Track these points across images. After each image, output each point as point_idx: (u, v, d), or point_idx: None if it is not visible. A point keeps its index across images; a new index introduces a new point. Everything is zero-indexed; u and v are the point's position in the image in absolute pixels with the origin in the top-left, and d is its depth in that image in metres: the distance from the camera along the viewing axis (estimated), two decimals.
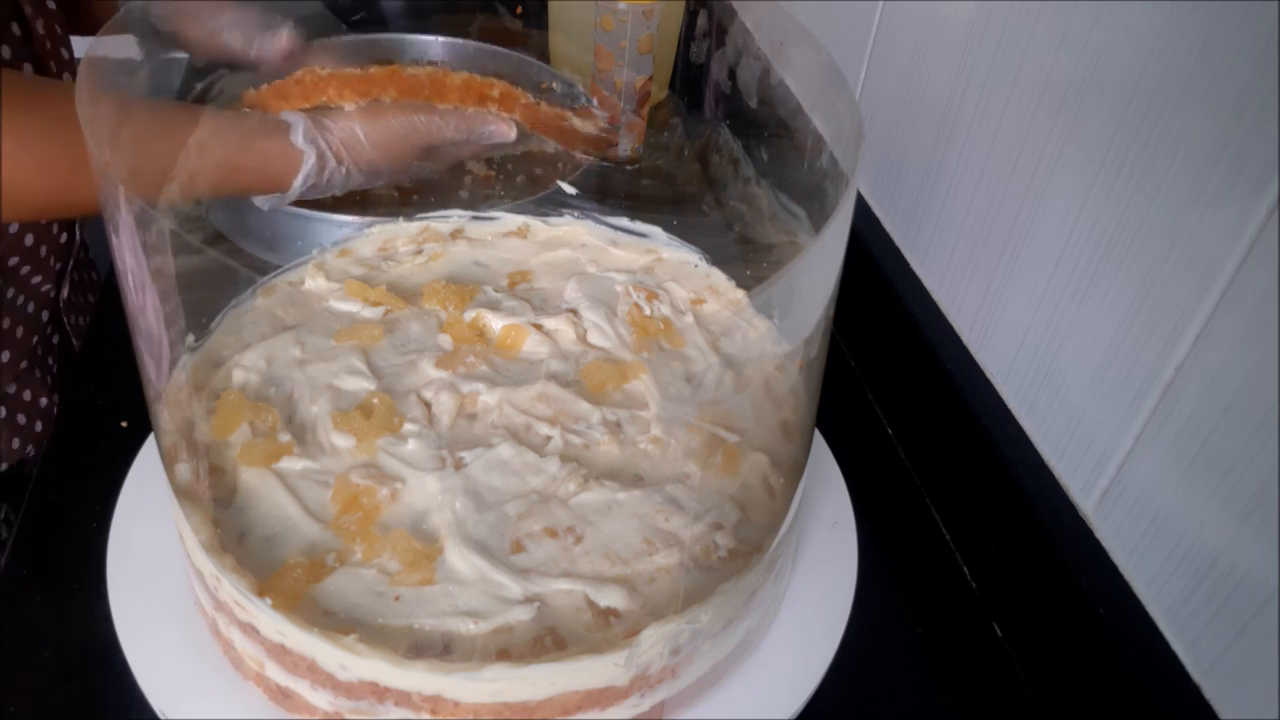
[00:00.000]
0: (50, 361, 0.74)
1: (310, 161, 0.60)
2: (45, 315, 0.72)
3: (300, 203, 0.67)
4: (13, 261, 0.67)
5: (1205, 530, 0.44)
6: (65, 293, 0.74)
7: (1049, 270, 0.54)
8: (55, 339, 0.75)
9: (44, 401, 0.72)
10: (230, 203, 0.70)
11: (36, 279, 0.70)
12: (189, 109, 0.59)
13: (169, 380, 0.46)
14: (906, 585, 0.58)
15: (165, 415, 0.46)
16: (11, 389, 0.70)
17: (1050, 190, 0.54)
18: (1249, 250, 0.41)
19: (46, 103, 0.53)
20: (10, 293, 0.68)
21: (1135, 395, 0.48)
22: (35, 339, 0.72)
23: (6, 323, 0.68)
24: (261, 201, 0.63)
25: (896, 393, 0.69)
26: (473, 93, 0.65)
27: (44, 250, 0.70)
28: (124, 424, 0.59)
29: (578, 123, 0.70)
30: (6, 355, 0.69)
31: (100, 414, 0.61)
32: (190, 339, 0.51)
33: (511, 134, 0.67)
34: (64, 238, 0.72)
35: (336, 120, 0.62)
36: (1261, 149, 0.40)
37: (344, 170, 0.63)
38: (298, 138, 0.60)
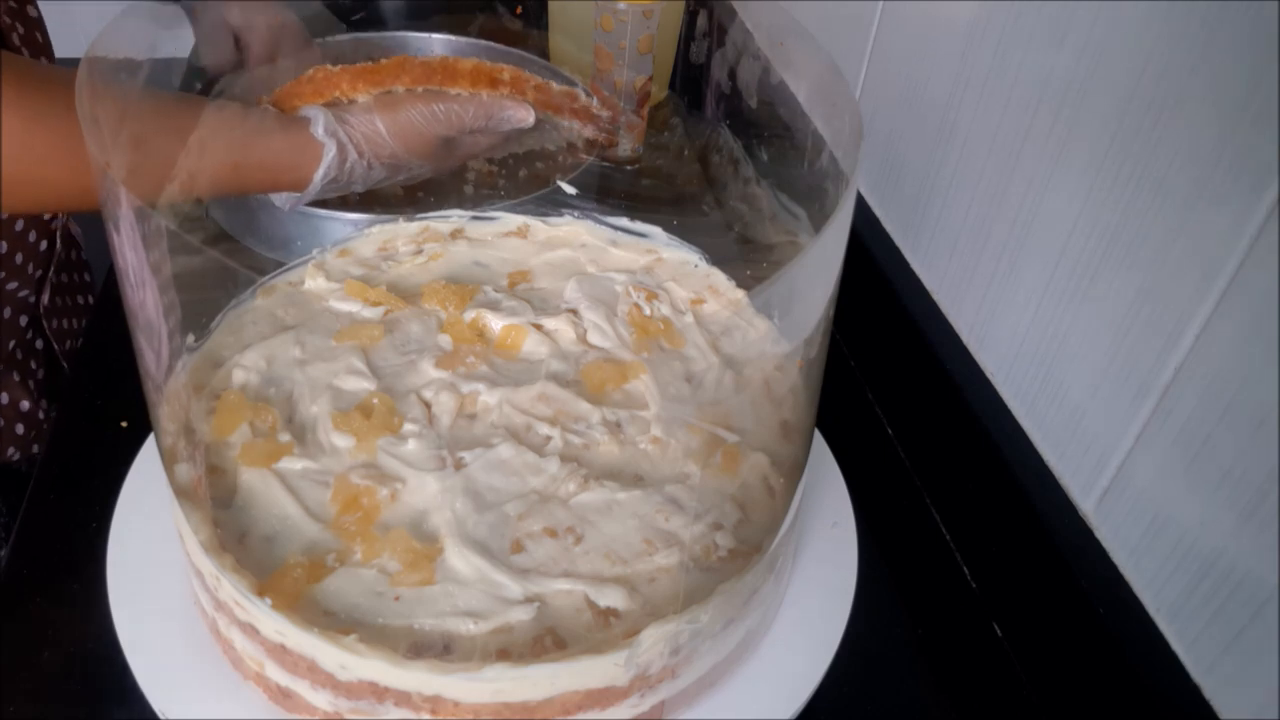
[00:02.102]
0: (33, 366, 0.74)
1: (331, 154, 0.60)
2: (24, 320, 0.72)
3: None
4: None
5: (1205, 530, 0.44)
6: (46, 299, 0.74)
7: (1049, 270, 0.54)
8: (38, 344, 0.75)
9: (25, 405, 0.72)
10: (231, 200, 0.70)
11: (12, 285, 0.69)
12: (200, 103, 0.59)
13: (169, 379, 0.46)
14: (906, 585, 0.58)
15: (165, 415, 0.46)
16: None
17: (1050, 190, 0.54)
18: (1249, 250, 0.41)
19: (59, 87, 0.52)
20: None
21: (1135, 395, 0.48)
22: (13, 344, 0.71)
23: None
24: (281, 200, 0.63)
25: (896, 393, 0.69)
26: (483, 77, 0.65)
27: (19, 258, 0.69)
28: (124, 424, 0.59)
29: (590, 130, 0.70)
30: None
31: (100, 414, 0.61)
32: (190, 339, 0.51)
33: (530, 118, 0.66)
34: (44, 245, 0.72)
35: (355, 114, 0.62)
36: (1261, 149, 0.40)
37: (365, 163, 0.62)
38: (318, 130, 0.60)
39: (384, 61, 0.64)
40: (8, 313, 0.70)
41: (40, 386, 0.74)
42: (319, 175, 0.60)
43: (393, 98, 0.64)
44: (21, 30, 0.67)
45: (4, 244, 0.68)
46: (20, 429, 0.71)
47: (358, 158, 0.62)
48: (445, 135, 0.64)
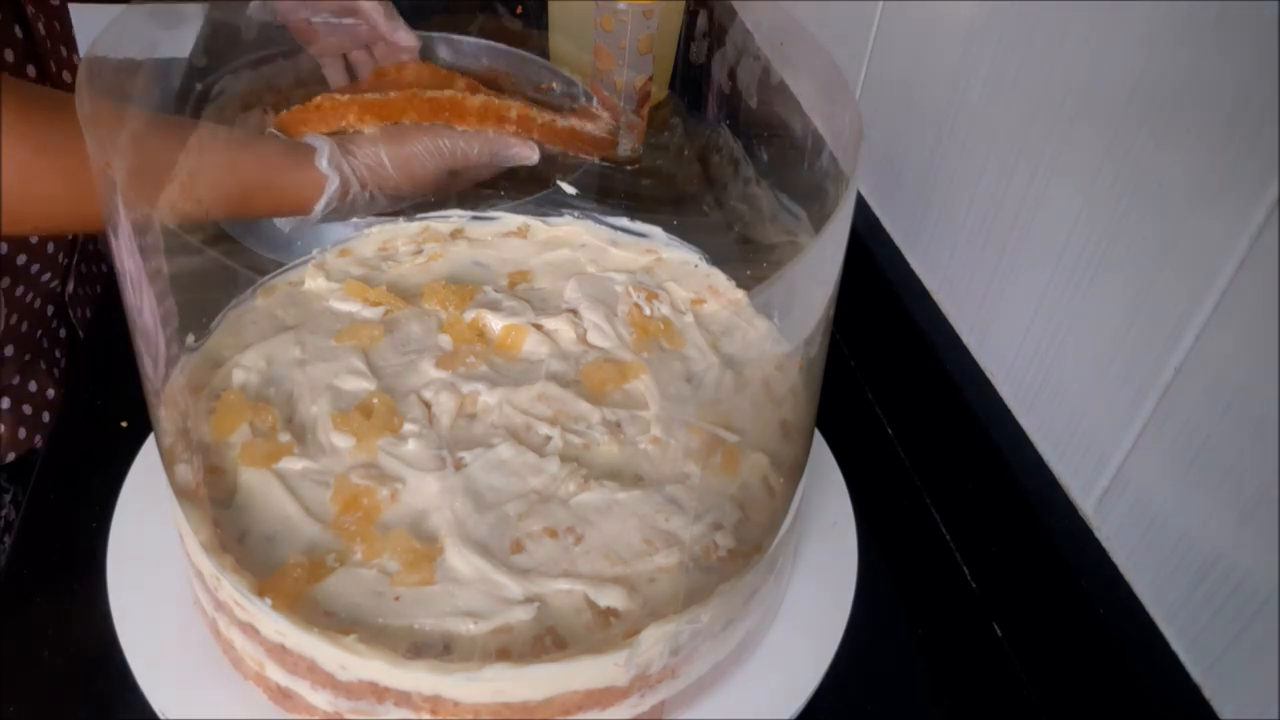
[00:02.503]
0: (57, 354, 0.75)
1: (334, 187, 0.60)
2: (50, 309, 0.73)
3: None
4: (21, 260, 0.68)
5: (1205, 530, 0.44)
6: (71, 287, 0.75)
7: (1049, 270, 0.54)
8: (62, 332, 0.76)
9: (51, 393, 0.73)
10: None
11: (45, 276, 0.70)
12: (205, 130, 0.59)
13: (168, 380, 0.47)
14: (906, 585, 0.58)
15: (165, 415, 0.46)
16: (15, 380, 0.70)
17: (1050, 190, 0.54)
18: (1249, 250, 0.41)
19: (63, 114, 0.53)
20: (19, 290, 0.68)
21: (1135, 395, 0.48)
22: (40, 332, 0.72)
23: (13, 318, 0.69)
24: (283, 223, 0.63)
25: (896, 393, 0.69)
26: (491, 114, 0.65)
27: (51, 247, 0.70)
28: (124, 424, 0.59)
29: (591, 129, 0.70)
30: (10, 349, 0.69)
31: (100, 414, 0.61)
32: (190, 339, 0.51)
33: (534, 157, 0.67)
34: (70, 233, 0.73)
35: (361, 145, 0.62)
36: (1261, 149, 0.40)
37: (367, 195, 0.63)
38: (322, 162, 0.60)
39: (393, 95, 0.64)
40: (37, 302, 0.71)
41: (64, 375, 0.74)
42: (320, 206, 0.61)
43: (400, 129, 0.63)
44: (45, 19, 0.68)
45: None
46: (47, 417, 0.72)
47: (360, 189, 0.62)
48: (450, 169, 0.65)
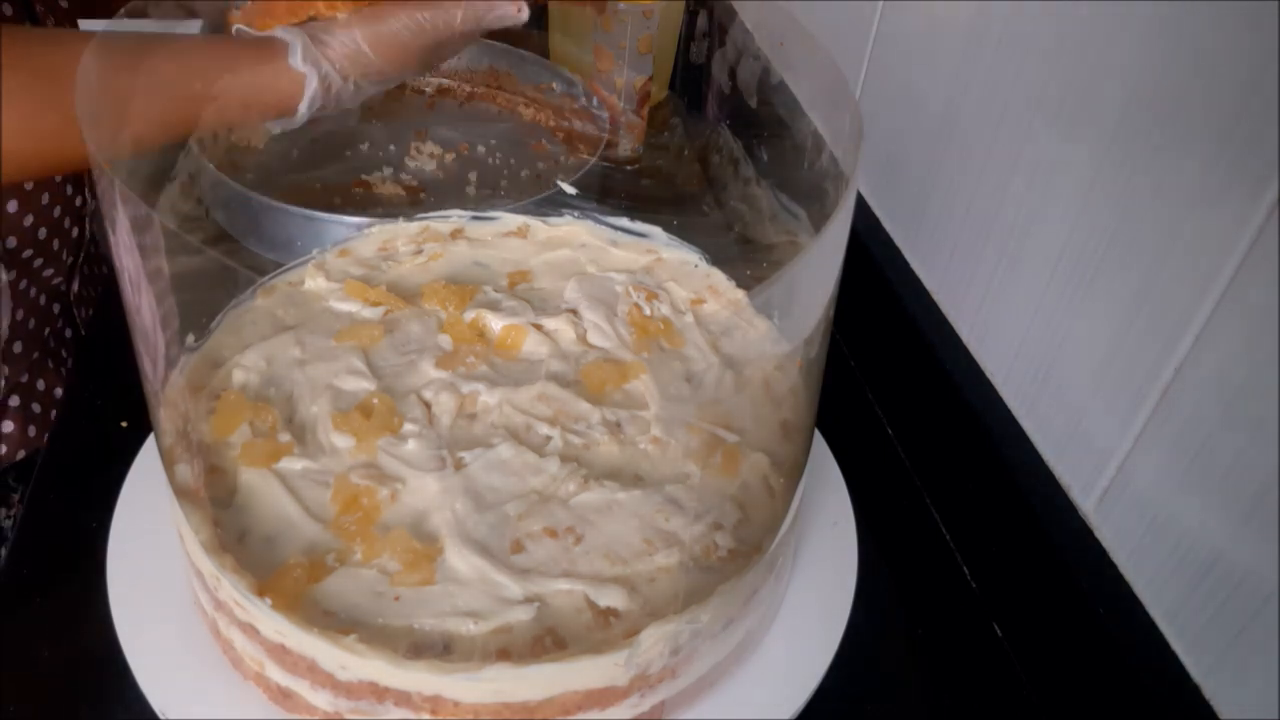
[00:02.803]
0: (63, 354, 0.75)
1: (313, 85, 0.57)
2: (56, 308, 0.73)
3: (301, 202, 0.67)
4: (26, 254, 0.68)
5: (1205, 530, 0.44)
6: (76, 286, 0.75)
7: (1049, 270, 0.54)
8: (67, 332, 0.76)
9: (58, 392, 0.73)
10: (231, 201, 0.70)
11: (48, 272, 0.70)
12: (175, 43, 0.56)
13: (168, 380, 0.47)
14: (906, 585, 0.58)
15: (165, 415, 0.46)
16: (24, 378, 0.70)
17: (1050, 190, 0.54)
18: (1249, 250, 0.41)
19: (30, 55, 0.51)
20: (24, 285, 0.68)
21: (1135, 395, 0.48)
22: (47, 330, 0.72)
23: (20, 314, 0.69)
24: (271, 125, 0.61)
25: (896, 393, 0.69)
26: None
27: (56, 244, 0.70)
28: (124, 424, 0.59)
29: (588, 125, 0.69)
30: (19, 346, 0.69)
31: (100, 414, 0.61)
32: (190, 339, 0.51)
33: (523, 15, 0.62)
34: (75, 232, 0.73)
35: (335, 34, 0.58)
36: (1261, 149, 0.40)
37: (351, 86, 0.60)
38: (296, 60, 0.57)
39: None
40: (42, 299, 0.71)
41: (70, 374, 0.74)
42: (304, 108, 0.57)
43: (374, 8, 0.59)
44: (55, 20, 0.68)
45: (43, 230, 0.68)
46: (54, 415, 0.72)
47: (342, 82, 0.59)
48: (434, 44, 0.61)
